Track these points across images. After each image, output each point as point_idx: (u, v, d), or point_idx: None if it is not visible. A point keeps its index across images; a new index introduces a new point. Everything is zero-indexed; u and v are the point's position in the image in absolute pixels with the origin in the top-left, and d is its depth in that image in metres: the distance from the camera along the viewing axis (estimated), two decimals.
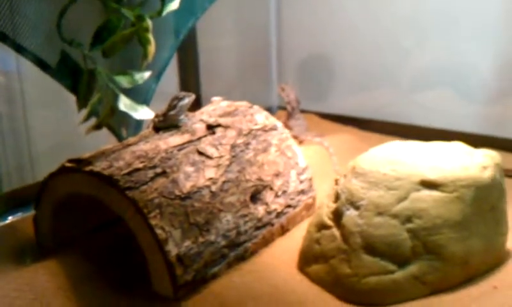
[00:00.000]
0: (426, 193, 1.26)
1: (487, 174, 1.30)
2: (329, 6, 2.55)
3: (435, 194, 1.26)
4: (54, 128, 2.07)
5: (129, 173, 1.31)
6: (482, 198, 1.29)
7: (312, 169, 1.70)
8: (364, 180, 1.31)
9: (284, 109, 2.36)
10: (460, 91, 2.32)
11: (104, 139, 1.86)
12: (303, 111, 2.37)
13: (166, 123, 1.52)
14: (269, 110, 2.60)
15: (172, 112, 1.51)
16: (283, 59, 2.74)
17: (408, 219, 1.24)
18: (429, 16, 2.31)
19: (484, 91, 2.28)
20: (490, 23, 2.16)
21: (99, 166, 1.32)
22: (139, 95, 1.86)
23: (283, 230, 1.54)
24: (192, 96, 1.52)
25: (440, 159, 1.33)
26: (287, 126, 2.24)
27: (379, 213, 1.26)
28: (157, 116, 1.56)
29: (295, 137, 2.18)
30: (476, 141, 2.13)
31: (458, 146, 1.41)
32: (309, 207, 1.63)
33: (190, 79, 2.51)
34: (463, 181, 1.27)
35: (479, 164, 1.32)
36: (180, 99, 1.50)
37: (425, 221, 1.24)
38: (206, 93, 2.47)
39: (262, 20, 2.71)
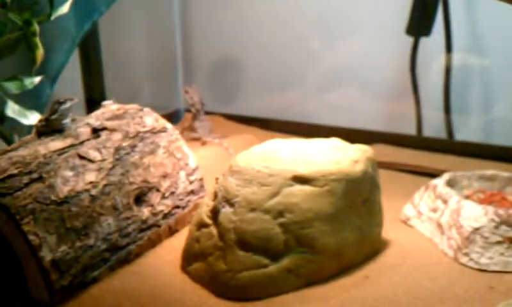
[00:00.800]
0: (298, 188, 1.29)
1: (358, 168, 1.35)
2: (236, 8, 2.58)
3: (307, 188, 1.30)
4: None
5: (3, 179, 1.29)
6: (353, 191, 1.33)
7: (211, 170, 1.71)
8: (239, 177, 1.33)
9: (190, 111, 2.37)
10: (364, 89, 2.40)
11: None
12: (210, 113, 2.39)
13: (48, 128, 1.50)
14: (177, 112, 2.61)
15: (54, 117, 1.49)
16: (190, 61, 2.75)
17: (280, 214, 1.27)
18: (334, 18, 2.38)
19: (385, 89, 2.36)
20: (391, 21, 2.23)
21: None
22: (33, 100, 1.83)
23: (172, 231, 1.55)
24: (75, 100, 1.51)
25: (314, 155, 1.37)
26: (191, 128, 2.26)
27: (252, 209, 1.28)
28: (40, 121, 1.54)
29: (198, 139, 2.21)
30: (373, 137, 2.22)
31: (334, 142, 1.46)
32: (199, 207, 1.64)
33: (95, 83, 2.48)
34: (333, 176, 1.31)
35: (350, 158, 1.36)
36: (61, 103, 1.49)
37: (297, 215, 1.27)
38: (111, 97, 2.44)
39: (168, 21, 2.71)
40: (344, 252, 1.31)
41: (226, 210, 1.31)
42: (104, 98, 2.45)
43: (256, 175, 1.32)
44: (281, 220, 1.27)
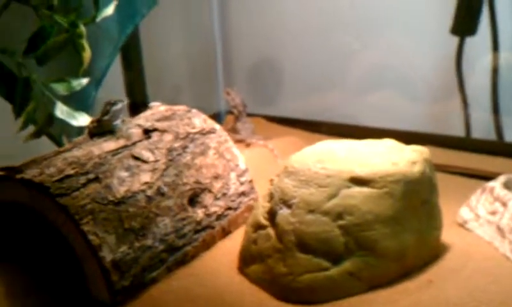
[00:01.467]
0: (356, 190, 1.27)
1: (416, 168, 1.32)
2: (276, 9, 2.57)
3: (365, 190, 1.27)
4: None
5: (60, 180, 1.29)
6: (412, 193, 1.30)
7: (257, 171, 1.70)
8: (295, 178, 1.32)
9: (232, 113, 2.36)
10: (405, 90, 2.36)
11: (48, 148, 1.83)
12: (251, 115, 2.37)
13: (100, 129, 1.50)
14: (218, 114, 2.61)
15: (105, 118, 1.49)
16: (230, 63, 2.74)
17: (339, 216, 1.25)
18: (374, 17, 2.35)
19: (429, 90, 2.32)
20: (431, 22, 2.20)
21: (30, 174, 1.29)
22: (79, 102, 1.84)
23: (225, 232, 1.54)
24: (125, 102, 1.51)
25: (370, 156, 1.35)
26: (234, 129, 2.25)
27: (311, 211, 1.26)
28: (92, 122, 1.54)
29: (242, 141, 2.19)
30: (419, 139, 2.18)
31: (389, 143, 1.43)
32: (251, 209, 1.62)
33: (136, 86, 2.50)
34: (392, 177, 1.28)
35: (408, 159, 1.33)
36: (112, 104, 1.49)
37: (357, 217, 1.25)
38: (153, 99, 2.45)
39: (209, 24, 2.70)
40: (405, 256, 1.29)
41: (283, 212, 1.29)
42: (146, 101, 2.46)
43: (313, 176, 1.30)
44: (341, 222, 1.25)
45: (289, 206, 1.29)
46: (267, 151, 2.09)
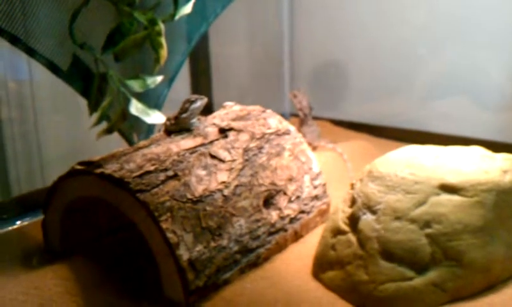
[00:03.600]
0: (446, 197, 1.22)
1: (508, 178, 1.27)
2: (343, 13, 2.53)
3: (455, 198, 1.22)
4: (64, 134, 2.06)
5: (140, 176, 1.28)
6: (503, 203, 1.25)
7: (325, 175, 1.67)
8: (381, 183, 1.28)
9: (297, 115, 2.33)
10: (474, 97, 2.29)
11: (115, 145, 1.84)
12: (316, 118, 2.34)
13: (177, 126, 1.49)
14: (282, 117, 2.57)
15: (184, 115, 1.48)
16: (296, 65, 2.72)
17: (427, 224, 1.21)
18: (443, 23, 2.29)
19: (499, 97, 2.25)
20: (503, 29, 2.13)
21: (110, 169, 1.29)
22: (151, 100, 1.84)
23: (297, 236, 1.51)
24: (205, 100, 1.49)
25: (460, 163, 1.29)
26: (300, 132, 2.21)
27: (397, 218, 1.22)
28: (168, 119, 1.53)
29: (308, 144, 2.15)
30: (491, 147, 2.11)
31: (477, 150, 1.38)
32: (323, 213, 1.60)
33: (202, 86, 2.50)
34: (483, 186, 1.23)
35: (499, 167, 1.28)
36: (192, 102, 1.48)
37: (445, 226, 1.20)
38: (218, 100, 2.45)
39: (275, 26, 2.69)
40: (492, 268, 1.23)
41: (367, 218, 1.25)
42: (211, 101, 2.45)
43: (400, 182, 1.25)
44: (428, 231, 1.20)
45: (374, 212, 1.24)
46: (333, 155, 2.05)
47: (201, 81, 2.48)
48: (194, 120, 1.51)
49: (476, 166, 1.28)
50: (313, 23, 2.63)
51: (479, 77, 2.26)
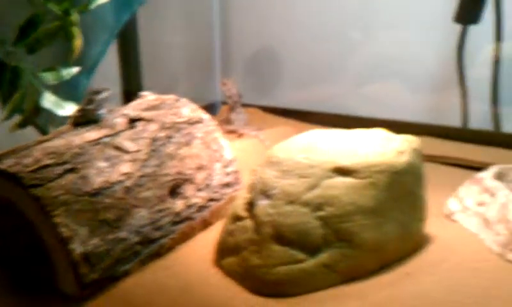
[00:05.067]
0: (339, 180, 1.24)
1: (403, 159, 1.29)
2: (274, 0, 2.53)
3: (348, 180, 1.24)
4: None
5: (36, 170, 1.27)
6: (397, 183, 1.27)
7: (247, 162, 1.68)
8: (278, 168, 1.29)
9: (227, 103, 2.34)
10: (404, 82, 2.33)
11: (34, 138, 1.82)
12: (248, 105, 2.35)
13: (84, 118, 1.48)
14: (213, 105, 2.58)
15: (90, 107, 1.47)
16: (228, 54, 2.72)
17: (319, 207, 1.22)
18: (374, 9, 2.31)
19: (428, 81, 2.28)
20: (433, 14, 2.16)
21: (6, 164, 1.28)
22: (70, 91, 1.82)
23: (206, 224, 1.51)
24: (110, 91, 1.49)
25: (356, 146, 1.31)
26: (228, 120, 2.23)
27: (290, 202, 1.23)
28: (77, 111, 1.53)
29: (234, 131, 2.17)
30: (418, 129, 2.14)
31: (378, 132, 1.39)
32: (235, 200, 1.60)
33: (132, 75, 2.47)
34: (376, 167, 1.25)
35: (395, 149, 1.30)
36: (97, 93, 1.47)
37: (337, 208, 1.22)
38: (149, 89, 2.42)
39: (206, 14, 2.68)
40: (384, 248, 1.25)
41: (263, 203, 1.26)
42: (141, 90, 2.43)
43: (295, 166, 1.27)
44: (320, 213, 1.22)
45: (269, 197, 1.26)
46: (258, 142, 2.06)
47: (131, 71, 2.46)
48: (102, 111, 1.50)
49: (372, 148, 1.30)
50: (244, 10, 2.63)
51: (409, 61, 2.29)
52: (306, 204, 1.23)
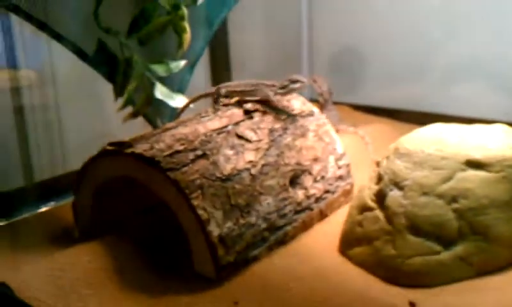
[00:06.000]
0: (472, 173, 1.24)
1: None
2: None
3: (481, 173, 1.24)
4: (86, 119, 2.09)
5: (170, 155, 1.31)
6: None
7: (349, 158, 1.69)
8: (408, 160, 1.29)
9: (316, 101, 2.35)
10: (492, 81, 2.30)
11: (138, 131, 1.87)
12: (335, 103, 2.35)
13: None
14: None
15: (280, 91, 1.53)
16: (315, 51, 2.73)
17: (454, 199, 1.22)
18: (461, 6, 2.29)
19: None
20: None
21: (140, 148, 1.32)
22: (174, 84, 1.86)
23: (322, 215, 1.53)
24: (304, 83, 1.53)
25: (485, 140, 1.31)
26: None
27: (424, 193, 1.24)
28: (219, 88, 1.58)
29: None
30: None
31: (500, 127, 1.39)
32: (347, 193, 1.62)
33: (221, 73, 2.52)
34: (509, 161, 1.25)
35: None
36: (294, 82, 1.52)
37: (471, 201, 1.22)
38: None
39: (293, 12, 2.70)
40: None
41: (394, 194, 1.27)
42: None
43: (427, 158, 1.27)
44: (455, 206, 1.22)
45: (401, 188, 1.26)
46: (354, 138, 2.06)
47: (220, 68, 2.50)
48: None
49: (501, 142, 1.29)
50: (331, 8, 2.64)
51: (497, 60, 2.26)
52: (440, 196, 1.23)
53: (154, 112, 1.86)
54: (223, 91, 1.58)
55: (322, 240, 1.43)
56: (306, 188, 1.49)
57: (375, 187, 1.34)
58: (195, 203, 1.25)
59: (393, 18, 2.46)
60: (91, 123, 2.09)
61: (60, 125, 2.02)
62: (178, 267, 1.33)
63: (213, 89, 1.61)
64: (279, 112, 1.53)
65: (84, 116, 2.08)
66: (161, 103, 1.73)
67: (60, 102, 2.01)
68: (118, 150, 1.35)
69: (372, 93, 2.57)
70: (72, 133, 2.03)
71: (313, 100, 2.38)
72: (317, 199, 1.51)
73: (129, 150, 1.32)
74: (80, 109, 2.07)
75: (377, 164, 1.39)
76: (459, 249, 1.22)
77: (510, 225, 1.23)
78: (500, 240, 1.22)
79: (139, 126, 1.85)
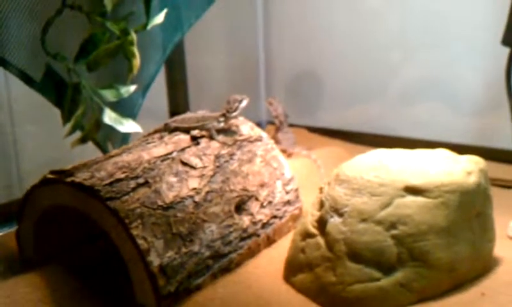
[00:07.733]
0: (410, 199, 1.25)
1: (472, 179, 1.29)
2: (318, 22, 2.56)
3: (419, 199, 1.25)
4: (41, 143, 2.06)
5: (110, 183, 1.29)
6: (467, 204, 1.27)
7: (299, 181, 1.69)
8: (348, 186, 1.30)
9: (273, 123, 2.36)
10: (449, 103, 2.33)
11: (93, 154, 1.85)
12: (292, 125, 2.36)
13: (226, 124, 1.56)
14: (259, 124, 2.59)
15: (234, 114, 1.55)
16: (272, 74, 2.74)
17: (393, 226, 1.23)
18: (418, 30, 2.33)
19: (473, 103, 2.28)
20: (479, 36, 2.17)
21: (80, 177, 1.30)
22: (126, 109, 1.85)
23: (270, 241, 1.52)
24: (248, 99, 1.56)
25: (424, 165, 1.32)
26: (275, 139, 2.24)
27: (363, 220, 1.24)
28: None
29: (283, 151, 2.17)
30: (464, 151, 2.14)
31: (442, 152, 1.40)
32: (295, 218, 1.62)
33: (179, 96, 2.51)
34: (447, 187, 1.26)
35: (463, 169, 1.31)
36: (240, 101, 1.55)
37: (410, 227, 1.23)
38: (195, 109, 2.45)
39: (251, 35, 2.71)
40: (457, 268, 1.25)
41: (334, 220, 1.27)
42: (187, 111, 2.46)
43: (366, 185, 1.28)
44: (394, 232, 1.23)
45: (341, 215, 1.27)
46: (309, 162, 2.07)
47: (178, 92, 2.50)
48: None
49: (440, 168, 1.30)
50: (287, 32, 2.66)
51: (452, 83, 2.30)
52: (379, 222, 1.24)
53: (104, 138, 1.84)
54: (172, 125, 1.58)
55: (268, 266, 1.42)
56: (252, 214, 1.49)
57: (317, 213, 1.34)
58: (135, 232, 1.24)
59: (349, 41, 2.49)
60: (47, 147, 2.06)
61: (16, 149, 1.99)
62: (121, 298, 1.31)
63: (161, 126, 1.60)
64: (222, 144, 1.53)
65: (40, 140, 2.05)
66: (111, 129, 1.71)
67: (16, 126, 1.98)
68: (58, 179, 1.33)
69: (328, 116, 2.59)
70: (28, 158, 2.00)
71: (271, 123, 2.40)
72: (264, 225, 1.51)
73: (69, 179, 1.30)
74: (36, 133, 2.05)
75: (320, 190, 1.39)
76: (399, 276, 1.22)
77: (449, 251, 1.24)
78: (440, 266, 1.23)
79: (95, 150, 1.84)
